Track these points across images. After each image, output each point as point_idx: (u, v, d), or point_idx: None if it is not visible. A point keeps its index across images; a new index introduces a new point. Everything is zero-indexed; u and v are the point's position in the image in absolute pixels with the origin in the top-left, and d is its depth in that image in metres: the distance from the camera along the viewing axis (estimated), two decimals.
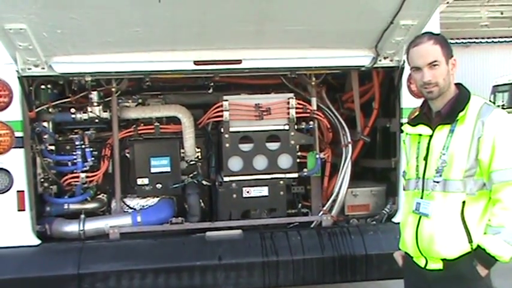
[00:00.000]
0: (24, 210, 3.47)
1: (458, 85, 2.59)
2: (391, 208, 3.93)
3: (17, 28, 3.05)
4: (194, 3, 3.06)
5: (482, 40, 22.83)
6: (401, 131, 2.82)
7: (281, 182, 3.90)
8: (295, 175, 3.94)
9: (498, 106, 16.84)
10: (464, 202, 2.46)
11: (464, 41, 22.58)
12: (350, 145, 4.03)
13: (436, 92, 2.53)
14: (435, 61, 2.49)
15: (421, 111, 2.68)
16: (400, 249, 2.74)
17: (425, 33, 2.65)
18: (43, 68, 3.41)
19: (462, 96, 2.54)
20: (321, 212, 3.97)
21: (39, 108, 3.75)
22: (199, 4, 3.07)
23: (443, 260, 2.49)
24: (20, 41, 3.16)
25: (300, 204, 4.12)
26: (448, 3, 16.02)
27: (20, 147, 3.47)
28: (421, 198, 2.57)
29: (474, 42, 22.76)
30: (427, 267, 2.55)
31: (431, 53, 2.50)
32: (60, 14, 3.05)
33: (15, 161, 3.45)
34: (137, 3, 3.04)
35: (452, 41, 21.86)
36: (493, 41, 22.86)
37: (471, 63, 22.01)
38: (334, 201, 3.97)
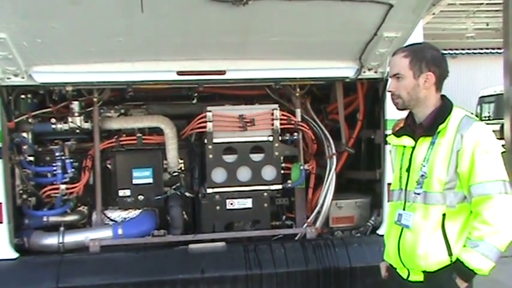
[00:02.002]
0: (1, 222, 3.39)
1: (442, 97, 2.59)
2: (375, 220, 3.92)
3: None
4: (177, 14, 3.05)
5: (469, 51, 23.12)
6: (387, 142, 2.81)
7: (265, 193, 3.87)
8: (279, 187, 3.91)
9: (484, 117, 17.06)
10: (444, 215, 2.46)
11: (450, 52, 22.85)
12: (334, 156, 4.01)
13: (400, 103, 2.57)
14: (398, 73, 2.54)
15: (405, 122, 2.68)
16: (383, 260, 2.74)
17: (407, 45, 2.70)
18: (23, 78, 3.37)
19: (444, 109, 2.54)
20: (305, 224, 3.94)
21: (19, 119, 3.69)
22: (182, 14, 3.05)
23: (423, 272, 2.49)
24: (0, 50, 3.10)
25: (284, 216, 4.08)
26: (434, 14, 16.20)
27: None
28: (403, 209, 2.57)
29: (460, 53, 23.05)
30: (409, 279, 2.56)
31: (396, 64, 2.56)
32: (41, 23, 3.01)
33: None
34: (120, 13, 3.01)
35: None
36: (479, 52, 23.17)
37: (458, 74, 22.23)
38: (319, 213, 3.95)
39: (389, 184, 3.03)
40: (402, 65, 2.52)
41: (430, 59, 2.52)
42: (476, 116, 17.18)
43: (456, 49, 22.92)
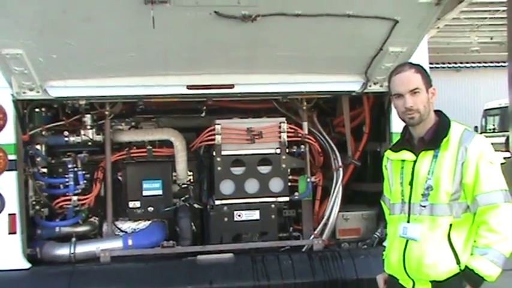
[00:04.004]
0: (15, 233, 3.46)
1: (438, 112, 2.68)
2: (382, 232, 3.95)
3: (14, 53, 3.10)
4: (187, 29, 3.14)
5: (473, 65, 23.20)
6: (382, 158, 2.87)
7: (272, 205, 3.92)
8: (287, 199, 3.96)
9: (489, 130, 17.07)
10: (451, 225, 2.53)
11: (455, 65, 22.93)
12: (341, 169, 4.07)
13: (417, 118, 2.60)
14: (416, 88, 2.58)
15: (402, 137, 2.75)
16: (383, 272, 2.78)
17: (407, 62, 2.79)
18: (38, 92, 3.46)
19: (443, 123, 2.63)
20: (312, 236, 3.99)
21: (33, 131, 3.77)
22: (192, 30, 3.14)
23: (432, 281, 2.54)
24: (16, 66, 3.21)
25: (291, 228, 4.13)
26: (438, 28, 16.31)
27: (12, 170, 3.48)
28: (408, 222, 2.63)
29: (465, 66, 23.14)
30: None
31: (413, 80, 2.60)
32: (56, 39, 3.11)
33: (8, 183, 3.46)
34: (131, 29, 3.11)
35: (443, 65, 22.23)
36: (483, 66, 23.25)
37: (462, 87, 22.33)
38: (325, 225, 3.99)
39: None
40: (418, 80, 2.59)
41: (429, 75, 2.64)
42: (480, 128, 17.24)
43: (461, 62, 23.01)
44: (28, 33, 3.02)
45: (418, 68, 2.64)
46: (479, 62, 23.09)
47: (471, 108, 20.79)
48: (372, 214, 4.06)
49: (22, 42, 3.07)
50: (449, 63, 22.84)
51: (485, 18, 17.41)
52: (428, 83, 2.62)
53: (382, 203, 2.96)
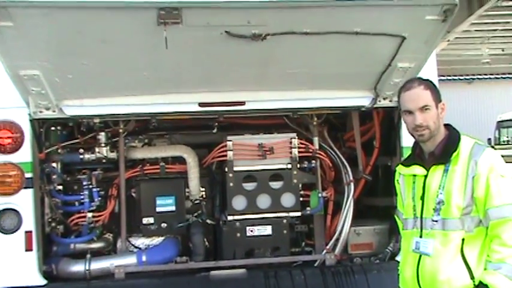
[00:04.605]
0: (31, 250, 3.52)
1: (448, 126, 2.69)
2: (394, 246, 3.95)
3: (31, 74, 3.19)
4: (199, 49, 3.21)
5: (485, 76, 23.12)
6: (393, 173, 2.89)
7: (284, 220, 3.95)
8: (298, 214, 4.00)
9: (503, 142, 16.92)
10: (463, 240, 2.52)
11: (467, 77, 22.86)
12: (352, 183, 4.10)
13: (427, 134, 2.61)
14: (426, 105, 2.59)
15: (413, 152, 2.77)
16: (398, 287, 2.78)
17: (416, 78, 2.79)
18: (54, 111, 3.54)
19: (453, 137, 2.63)
20: (324, 251, 4.01)
21: (49, 150, 3.85)
22: (204, 49, 3.21)
23: None
24: (33, 86, 3.29)
25: (303, 243, 4.16)
26: (449, 41, 16.32)
27: (29, 188, 3.56)
28: (420, 237, 2.63)
29: (477, 78, 23.05)
30: None
31: (422, 97, 2.60)
32: (72, 60, 3.20)
33: (24, 201, 3.54)
34: (145, 50, 3.18)
35: (455, 78, 22.17)
36: (495, 77, 23.15)
37: (475, 99, 22.22)
38: (337, 239, 4.01)
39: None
40: (427, 97, 2.59)
41: (438, 90, 2.65)
42: (494, 141, 17.09)
43: (473, 74, 22.94)
44: (44, 55, 3.11)
45: (428, 84, 2.64)
46: (491, 74, 23.01)
47: (484, 120, 20.66)
48: (384, 228, 4.07)
49: (39, 64, 3.16)
50: (460, 75, 22.77)
51: (496, 30, 17.40)
52: (437, 98, 2.63)
53: (396, 217, 2.96)
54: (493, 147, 15.65)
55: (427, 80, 2.71)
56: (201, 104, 3.67)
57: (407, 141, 3.85)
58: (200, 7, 2.89)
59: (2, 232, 3.51)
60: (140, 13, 2.87)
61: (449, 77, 21.74)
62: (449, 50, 17.91)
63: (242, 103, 3.70)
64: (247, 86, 3.64)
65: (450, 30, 14.23)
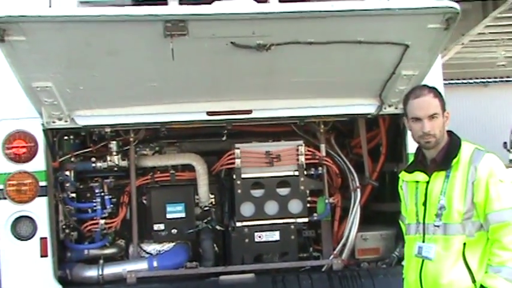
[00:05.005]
0: (46, 256, 3.62)
1: (450, 133, 2.73)
2: (400, 251, 3.97)
3: (44, 86, 3.29)
4: (205, 60, 3.29)
5: (501, 79, 22.83)
6: (397, 179, 2.93)
7: (292, 226, 4.01)
8: (306, 219, 4.05)
9: None
10: (464, 244, 2.57)
11: (483, 80, 22.62)
12: (358, 189, 4.13)
13: (433, 142, 2.65)
14: (436, 113, 2.63)
15: (415, 158, 2.81)
16: None
17: (424, 86, 2.81)
18: (66, 121, 3.64)
19: (454, 144, 2.68)
20: (332, 256, 4.05)
21: (62, 158, 3.96)
22: (210, 60, 3.29)
23: None
24: (46, 97, 3.40)
25: (311, 248, 4.20)
26: (463, 44, 16.20)
27: (43, 196, 3.67)
28: (423, 242, 2.67)
29: (494, 81, 22.78)
30: None
31: (432, 105, 2.63)
32: (83, 72, 3.30)
33: (39, 209, 3.64)
34: (153, 61, 3.27)
35: (470, 81, 21.94)
36: (511, 80, 22.84)
37: (489, 103, 21.95)
38: (344, 245, 4.05)
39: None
40: (436, 105, 2.63)
41: (444, 99, 2.69)
42: (510, 144, 16.87)
43: (488, 77, 22.68)
44: (56, 67, 3.21)
45: (436, 93, 2.68)
46: (507, 77, 22.72)
47: (500, 123, 20.42)
48: (391, 234, 4.09)
49: (51, 76, 3.26)
50: (476, 78, 22.54)
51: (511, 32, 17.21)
52: (443, 106, 2.67)
53: (400, 222, 3.01)
54: (508, 150, 15.50)
55: (434, 88, 2.75)
56: (209, 113, 3.74)
57: (413, 147, 3.83)
58: (205, 19, 2.96)
59: (18, 239, 3.62)
60: (147, 26, 2.95)
61: (464, 81, 21.55)
62: (464, 53, 17.75)
63: (249, 111, 3.76)
64: (253, 95, 3.71)
65: (464, 33, 14.12)
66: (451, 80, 20.32)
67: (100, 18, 2.90)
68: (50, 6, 3.62)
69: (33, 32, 2.86)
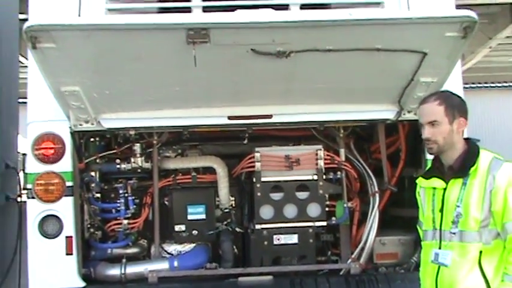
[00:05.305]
0: (71, 254, 3.74)
1: (468, 140, 2.74)
2: (419, 257, 3.96)
3: (71, 90, 3.41)
4: (227, 66, 3.36)
5: None
6: (415, 185, 2.96)
7: (310, 230, 4.05)
8: (324, 223, 4.09)
9: None
10: (481, 252, 2.59)
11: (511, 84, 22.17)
12: (377, 194, 4.16)
13: (435, 149, 2.70)
14: (435, 120, 2.67)
15: (433, 165, 2.84)
16: None
17: (436, 92, 2.87)
18: (92, 124, 3.75)
19: (472, 151, 2.69)
20: (350, 260, 4.08)
21: (88, 160, 4.08)
22: (231, 66, 3.36)
23: None
24: (73, 101, 3.52)
25: (329, 252, 4.25)
26: (490, 48, 15.94)
27: (70, 196, 3.79)
28: (439, 248, 2.70)
29: None
30: None
31: (432, 112, 2.68)
32: (109, 77, 3.41)
33: (66, 208, 3.77)
34: (176, 67, 3.36)
35: (498, 85, 21.55)
36: None
37: None
38: (363, 249, 4.08)
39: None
40: (438, 112, 2.67)
41: (460, 106, 2.70)
42: None
43: None
44: (84, 73, 3.33)
45: (444, 99, 2.70)
46: None
47: None
48: (409, 239, 4.11)
49: (79, 81, 3.37)
50: (505, 82, 22.13)
51: None
52: (453, 114, 2.67)
53: (418, 228, 3.04)
54: None
55: (450, 94, 2.77)
56: (230, 117, 3.82)
57: None
58: (227, 27, 3.04)
59: (45, 237, 3.75)
60: (171, 33, 3.05)
61: (492, 84, 21.20)
62: (492, 56, 17.45)
63: (269, 116, 3.83)
64: (273, 100, 3.77)
65: (492, 37, 13.91)
66: (479, 83, 20.02)
67: (127, 27, 3.01)
68: (79, 15, 3.75)
69: (63, 39, 2.98)
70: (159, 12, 3.88)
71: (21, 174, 4.76)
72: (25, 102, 3.93)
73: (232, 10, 3.50)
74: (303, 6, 3.82)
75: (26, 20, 3.09)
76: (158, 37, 3.08)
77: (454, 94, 2.80)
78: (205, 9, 3.83)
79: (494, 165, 2.62)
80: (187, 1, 3.86)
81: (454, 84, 3.68)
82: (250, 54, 3.18)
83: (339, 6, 3.86)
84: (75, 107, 3.58)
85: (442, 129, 2.67)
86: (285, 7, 3.81)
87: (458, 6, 3.58)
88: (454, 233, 2.64)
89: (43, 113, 3.81)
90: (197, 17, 3.41)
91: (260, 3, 3.69)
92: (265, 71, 3.37)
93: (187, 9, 3.84)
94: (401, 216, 4.35)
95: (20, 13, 5.18)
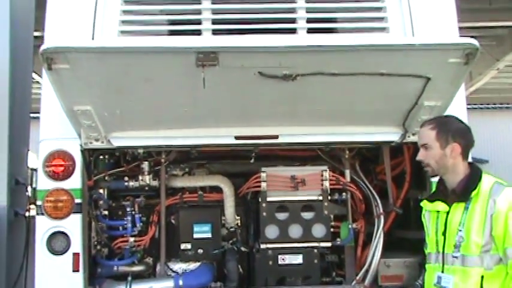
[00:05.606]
0: (78, 271, 3.78)
1: (471, 164, 2.79)
2: (424, 280, 3.99)
3: (83, 109, 3.50)
4: (234, 88, 3.44)
5: None
6: (421, 207, 3.00)
7: (315, 250, 4.08)
8: (329, 244, 4.11)
9: None
10: (482, 277, 2.60)
11: None
12: (382, 216, 4.18)
13: (430, 171, 2.80)
14: (426, 144, 2.77)
15: (438, 188, 2.88)
16: None
17: (433, 117, 3.00)
18: (102, 142, 3.83)
19: (474, 175, 2.74)
20: (354, 281, 4.09)
21: (97, 177, 4.14)
22: (239, 88, 3.44)
23: None
24: (85, 120, 3.60)
25: (334, 273, 4.25)
26: (498, 69, 15.98)
27: (78, 213, 3.84)
28: (442, 272, 2.73)
29: None
30: None
31: (424, 136, 2.80)
32: (120, 97, 3.50)
33: (74, 225, 3.82)
34: (185, 88, 3.44)
35: (508, 105, 21.52)
36: None
37: None
38: (367, 271, 4.09)
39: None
40: (429, 136, 2.76)
41: (456, 131, 2.76)
42: None
43: None
44: (96, 93, 3.43)
45: (437, 124, 2.79)
46: None
47: None
48: (414, 261, 4.10)
49: (90, 100, 3.46)
50: None
51: None
52: (445, 139, 2.74)
53: (425, 250, 3.06)
54: None
55: (448, 119, 2.85)
56: (237, 137, 3.88)
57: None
58: (235, 51, 3.14)
59: (52, 253, 3.78)
60: (181, 56, 3.14)
61: (501, 105, 21.21)
62: (500, 78, 17.50)
63: (275, 137, 3.89)
64: (280, 121, 3.84)
65: (500, 59, 13.98)
66: (488, 104, 20.03)
67: (138, 49, 3.11)
68: (93, 36, 3.86)
69: (77, 61, 3.08)
70: (170, 34, 3.99)
71: (29, 188, 4.86)
72: (35, 117, 4.01)
73: (241, 33, 3.60)
74: (310, 30, 3.92)
75: (40, 37, 3.20)
76: (169, 60, 3.17)
77: (454, 120, 2.86)
78: (215, 32, 3.93)
79: (496, 190, 2.66)
80: (197, 24, 3.96)
81: (458, 107, 3.75)
82: (257, 77, 3.25)
83: (345, 30, 3.96)
84: (86, 126, 3.66)
85: (433, 153, 2.75)
86: (292, 31, 3.91)
87: (466, 29, 3.66)
88: (456, 257, 2.68)
89: (55, 131, 3.89)
90: (207, 41, 3.51)
91: (268, 27, 3.79)
92: (272, 93, 3.45)
93: (197, 32, 3.94)
94: (406, 238, 4.36)
95: (35, 30, 5.31)
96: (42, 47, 2.97)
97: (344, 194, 4.22)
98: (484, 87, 16.14)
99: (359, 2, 4.03)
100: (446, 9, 4.03)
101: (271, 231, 4.08)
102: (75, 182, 3.88)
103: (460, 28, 3.98)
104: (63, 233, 3.81)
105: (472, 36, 3.02)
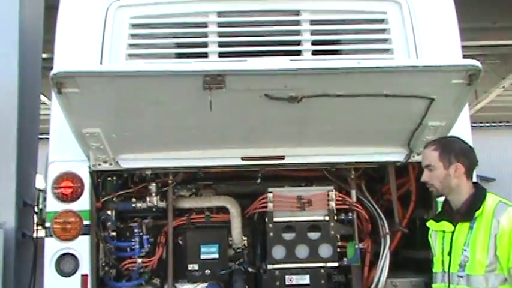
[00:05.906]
0: None
1: (475, 184, 2.82)
2: None
3: (92, 132, 3.56)
4: (241, 110, 3.50)
5: None
6: (427, 227, 3.02)
7: (322, 270, 4.07)
8: (336, 264, 4.11)
9: None
10: None
11: None
12: (388, 236, 4.18)
13: (435, 191, 2.85)
14: (429, 165, 2.82)
15: (443, 207, 2.91)
16: None
17: (440, 138, 3.08)
18: (111, 164, 3.88)
19: (478, 195, 2.77)
20: None
21: (105, 198, 4.18)
22: (245, 110, 3.50)
23: None
24: (93, 142, 3.66)
25: None
26: (504, 87, 16.03)
27: (86, 234, 3.88)
28: None
29: None
30: None
31: (427, 157, 2.86)
32: (128, 120, 3.56)
33: (82, 246, 3.85)
34: (192, 111, 3.49)
35: None
36: None
37: None
38: None
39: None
40: (433, 157, 2.81)
41: (458, 151, 2.80)
42: None
43: None
44: (105, 116, 3.49)
45: (440, 145, 2.85)
46: None
47: None
48: (421, 281, 4.09)
49: (99, 123, 3.52)
50: None
51: None
52: (448, 159, 2.80)
53: (432, 269, 3.07)
54: None
55: (450, 140, 2.90)
56: (243, 158, 3.93)
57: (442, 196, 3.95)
58: (241, 74, 3.20)
59: (61, 275, 3.82)
60: (188, 80, 3.20)
61: (507, 123, 21.23)
62: (505, 96, 17.55)
63: (282, 157, 3.93)
64: (286, 142, 3.88)
65: (505, 77, 14.03)
66: (493, 122, 20.04)
67: (146, 73, 3.18)
68: (101, 59, 3.94)
69: (86, 84, 3.15)
70: (177, 57, 4.07)
71: (36, 209, 4.90)
72: (41, 138, 4.06)
73: (247, 55, 3.67)
74: (315, 52, 3.99)
75: (48, 59, 3.26)
76: (177, 83, 3.24)
77: (456, 140, 2.91)
78: (221, 54, 4.01)
79: (500, 210, 2.69)
80: (203, 47, 4.04)
81: (462, 127, 3.78)
82: (263, 99, 3.31)
83: (350, 52, 4.02)
84: (94, 148, 3.72)
85: (437, 174, 2.80)
86: (297, 53, 3.98)
87: (472, 47, 3.72)
88: (461, 277, 2.70)
89: (64, 153, 3.94)
90: (213, 64, 3.58)
91: (274, 49, 3.86)
92: (278, 114, 3.50)
93: (204, 54, 4.02)
94: (413, 258, 4.36)
95: (43, 52, 5.41)
96: (52, 72, 3.04)
97: (350, 214, 4.23)
98: (489, 105, 16.17)
99: (363, 24, 4.11)
100: (450, 30, 4.10)
101: (278, 251, 4.09)
102: (83, 203, 3.93)
103: (465, 47, 4.04)
104: (71, 254, 3.84)
105: (477, 55, 3.07)
